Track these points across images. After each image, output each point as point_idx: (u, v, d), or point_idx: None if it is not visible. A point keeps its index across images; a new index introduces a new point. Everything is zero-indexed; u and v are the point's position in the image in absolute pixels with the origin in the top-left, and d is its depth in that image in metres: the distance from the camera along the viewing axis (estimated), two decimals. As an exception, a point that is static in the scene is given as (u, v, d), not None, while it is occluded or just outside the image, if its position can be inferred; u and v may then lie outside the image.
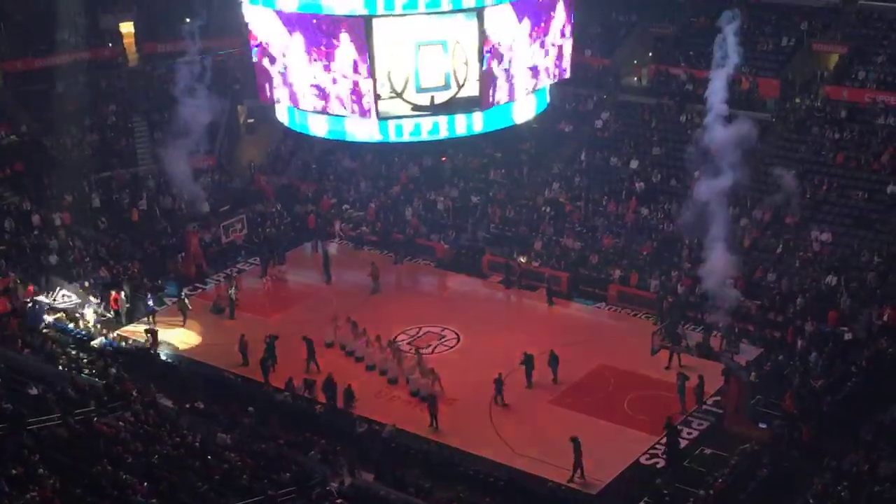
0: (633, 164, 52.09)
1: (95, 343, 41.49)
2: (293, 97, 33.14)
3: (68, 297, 44.97)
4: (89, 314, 43.81)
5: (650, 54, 57.25)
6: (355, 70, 31.17)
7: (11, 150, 53.76)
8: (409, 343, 42.67)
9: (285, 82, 33.08)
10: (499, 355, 40.94)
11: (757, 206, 46.99)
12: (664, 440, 35.32)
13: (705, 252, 40.61)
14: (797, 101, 51.37)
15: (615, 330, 43.97)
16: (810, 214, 46.32)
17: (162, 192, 53.52)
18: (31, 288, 44.67)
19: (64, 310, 44.10)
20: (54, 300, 44.56)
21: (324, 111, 32.60)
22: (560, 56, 34.59)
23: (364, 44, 30.55)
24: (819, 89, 51.40)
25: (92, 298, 44.83)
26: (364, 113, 31.65)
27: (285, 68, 32.77)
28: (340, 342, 41.97)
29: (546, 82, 34.59)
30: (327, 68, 31.56)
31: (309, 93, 32.51)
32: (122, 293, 44.99)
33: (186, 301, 45.32)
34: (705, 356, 40.59)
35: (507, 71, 32.26)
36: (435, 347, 42.62)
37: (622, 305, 45.32)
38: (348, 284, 48.38)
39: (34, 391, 34.17)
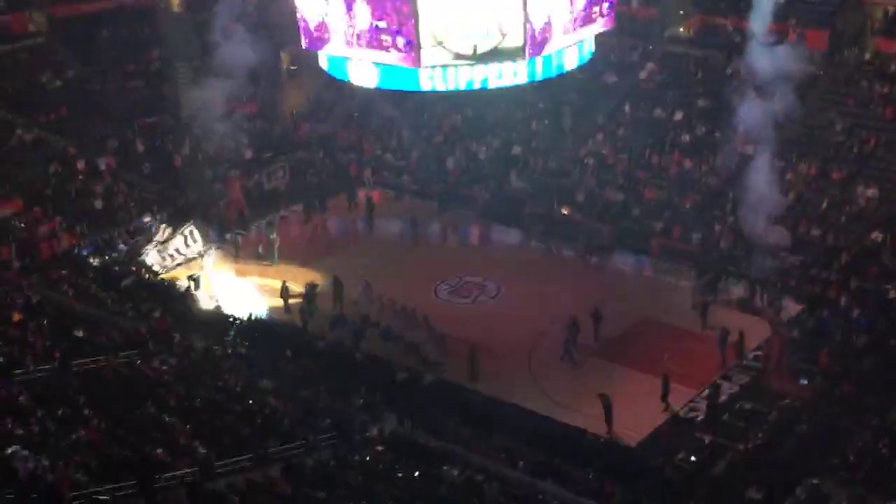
0: (678, 116, 51.62)
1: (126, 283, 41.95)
2: (335, 44, 32.99)
3: (189, 241, 45.51)
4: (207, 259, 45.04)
5: (695, 4, 56.40)
6: (398, 17, 30.97)
7: (57, 95, 54.04)
8: (449, 293, 42.77)
9: (328, 29, 32.92)
10: (539, 307, 41.06)
11: (803, 160, 46.52)
12: (705, 393, 35.33)
13: (748, 206, 40.33)
14: (845, 53, 50.59)
15: (656, 284, 43.90)
16: (857, 169, 45.78)
17: (205, 139, 53.64)
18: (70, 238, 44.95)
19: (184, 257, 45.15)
20: (165, 241, 45.19)
21: (366, 59, 32.46)
22: (605, 5, 34.18)
23: (408, -10, 30.35)
24: (868, 42, 50.55)
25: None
26: (407, 61, 31.48)
27: (327, 14, 32.60)
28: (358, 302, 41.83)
29: (591, 32, 34.24)
30: (371, 14, 31.38)
31: (351, 40, 32.36)
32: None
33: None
34: (747, 311, 40.42)
35: (550, 20, 31.92)
36: (476, 297, 42.73)
37: (664, 259, 45.15)
38: (389, 233, 48.49)
39: (80, 333, 34.64)
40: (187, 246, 45.75)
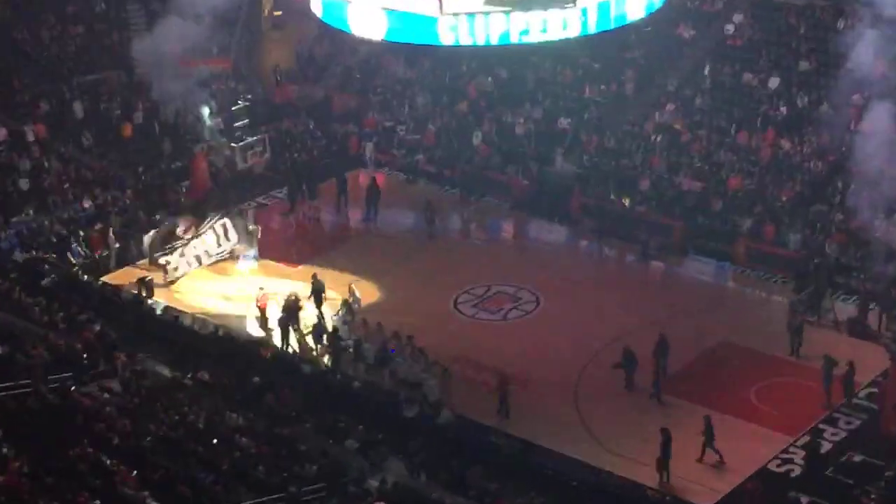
0: (773, 83, 51.46)
1: (46, 282, 42.06)
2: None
3: (221, 239, 45.63)
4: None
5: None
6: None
7: (-27, 44, 54.45)
8: (473, 306, 42.80)
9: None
10: (589, 325, 41.02)
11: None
12: (803, 440, 35.21)
13: (864, 199, 40.17)
14: None
15: (741, 298, 43.83)
16: None
17: (163, 103, 53.80)
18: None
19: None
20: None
21: (372, 1, 32.45)
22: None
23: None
24: None
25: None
26: (425, 4, 31.48)
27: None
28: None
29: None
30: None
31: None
32: (110, 230, 45.53)
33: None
34: (858, 335, 40.27)
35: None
36: (507, 312, 42.69)
37: (752, 266, 45.03)
38: (397, 228, 48.49)
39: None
40: (220, 245, 45.63)
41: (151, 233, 45.32)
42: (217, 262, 45.54)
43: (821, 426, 36.27)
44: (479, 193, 50.83)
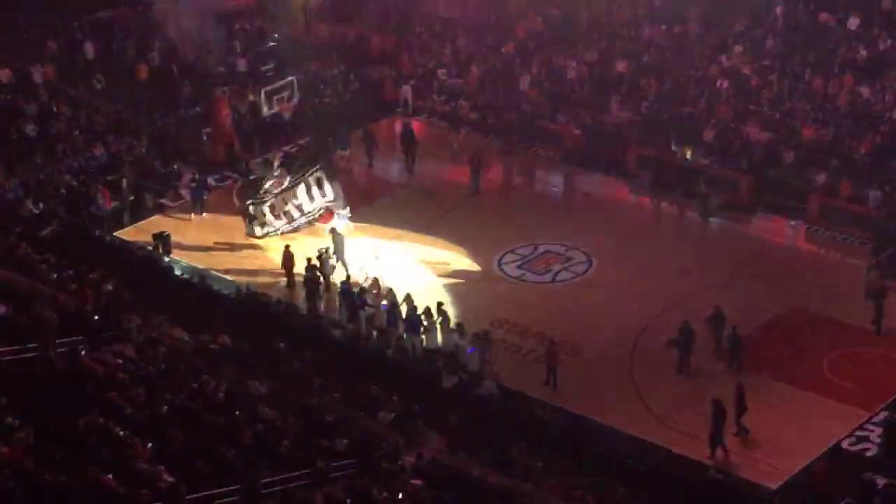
0: (853, 23, 51.12)
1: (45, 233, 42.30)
2: None
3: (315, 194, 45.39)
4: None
5: None
6: None
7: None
8: (519, 267, 42.79)
9: None
10: (646, 288, 41.06)
11: None
12: (880, 417, 35.12)
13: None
14: None
15: (815, 259, 43.71)
16: None
17: (182, 43, 53.87)
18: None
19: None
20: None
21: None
22: None
23: None
24: None
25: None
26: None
27: None
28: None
29: None
30: None
31: None
32: (124, 181, 45.71)
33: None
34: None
35: None
36: (557, 274, 42.67)
37: (827, 225, 44.88)
38: (435, 180, 48.45)
39: (1, 311, 34.92)
40: (312, 200, 45.32)
41: (239, 181, 45.27)
42: (312, 220, 45.26)
43: (902, 403, 36.12)
44: (526, 144, 50.69)
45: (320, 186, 45.14)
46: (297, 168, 45.31)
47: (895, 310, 39.45)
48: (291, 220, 44.79)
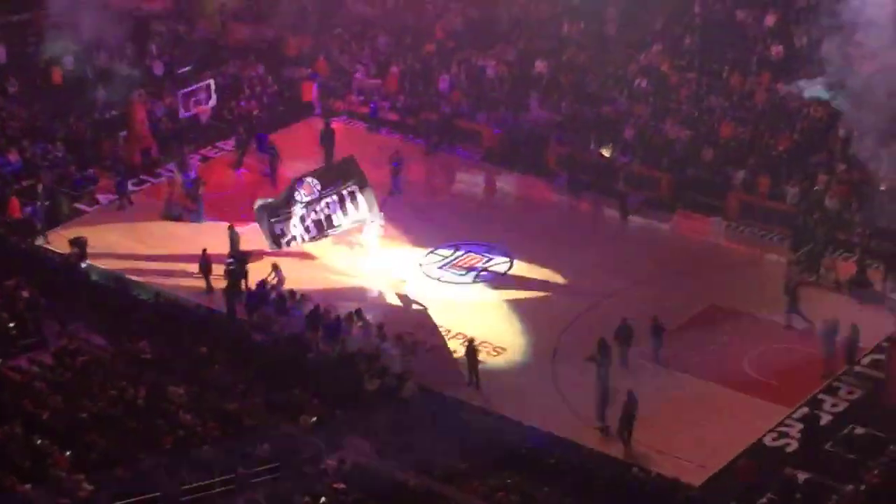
0: (770, 20, 51.51)
1: None
2: None
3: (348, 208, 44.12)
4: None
5: None
6: None
7: None
8: (440, 268, 42.87)
9: None
10: (567, 287, 41.32)
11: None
12: (798, 413, 35.45)
13: (870, 147, 40.27)
14: None
15: (734, 256, 43.96)
16: None
17: (95, 46, 53.46)
18: None
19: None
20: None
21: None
22: None
23: None
24: None
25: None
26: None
27: None
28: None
29: None
30: None
31: None
32: (39, 186, 45.35)
33: None
34: (861, 297, 40.50)
35: None
36: (478, 274, 42.75)
37: (746, 222, 45.26)
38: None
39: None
40: (346, 215, 43.89)
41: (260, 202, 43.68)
42: (344, 232, 44.19)
43: (820, 396, 36.46)
44: (446, 143, 50.75)
45: (353, 200, 44.01)
46: (330, 178, 44.15)
47: (812, 304, 39.81)
48: (320, 230, 43.57)
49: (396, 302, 41.41)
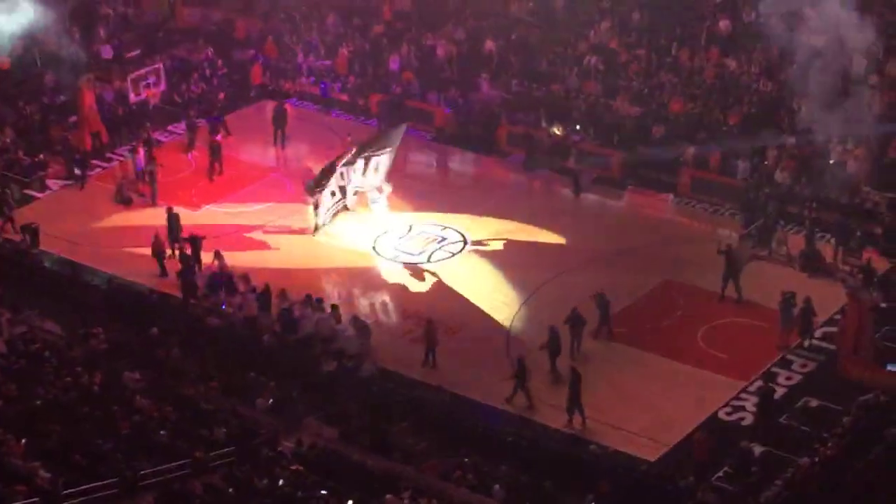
0: (717, -5, 51.80)
1: None
2: None
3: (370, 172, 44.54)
4: None
5: None
6: None
7: None
8: (395, 246, 42.84)
9: None
10: (521, 265, 41.39)
11: (892, 59, 46.71)
12: (753, 387, 35.64)
13: (818, 121, 40.40)
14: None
15: (687, 232, 44.07)
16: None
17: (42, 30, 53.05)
18: None
19: None
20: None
21: None
22: None
23: None
24: None
25: None
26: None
27: None
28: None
29: None
30: None
31: None
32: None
33: None
34: (813, 270, 40.71)
35: None
36: (432, 254, 42.73)
37: (697, 197, 45.42)
38: (306, 163, 48.24)
39: None
40: (364, 177, 44.57)
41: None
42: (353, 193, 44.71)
43: (774, 370, 36.65)
44: (397, 124, 50.61)
45: (377, 170, 44.71)
46: (367, 145, 44.76)
47: (764, 278, 40.05)
48: (343, 196, 44.22)
49: (352, 283, 41.34)
